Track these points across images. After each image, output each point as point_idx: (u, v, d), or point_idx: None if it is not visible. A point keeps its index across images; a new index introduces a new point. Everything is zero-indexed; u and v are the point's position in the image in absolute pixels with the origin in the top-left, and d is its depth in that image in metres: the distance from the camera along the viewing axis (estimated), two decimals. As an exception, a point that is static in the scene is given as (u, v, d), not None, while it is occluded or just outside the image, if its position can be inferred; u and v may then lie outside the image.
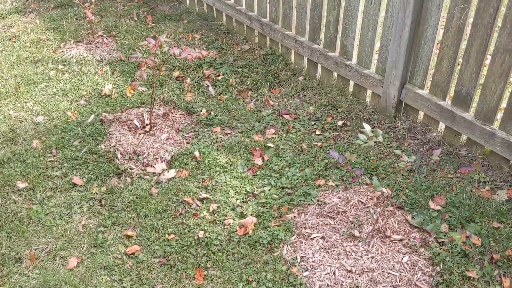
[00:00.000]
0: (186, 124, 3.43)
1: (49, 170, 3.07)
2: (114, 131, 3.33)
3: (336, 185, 2.79)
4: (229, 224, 2.59)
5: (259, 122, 3.45)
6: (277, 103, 3.65)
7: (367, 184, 2.78)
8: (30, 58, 4.32)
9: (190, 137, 3.32)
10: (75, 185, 2.95)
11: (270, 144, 3.17)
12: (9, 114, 3.60)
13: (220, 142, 3.24)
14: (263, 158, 3.06)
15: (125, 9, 5.24)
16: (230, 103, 3.66)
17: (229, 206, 2.71)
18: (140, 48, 4.37)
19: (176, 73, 4.04)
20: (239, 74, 4.02)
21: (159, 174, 3.00)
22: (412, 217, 2.55)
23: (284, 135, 3.30)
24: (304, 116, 3.47)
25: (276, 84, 3.90)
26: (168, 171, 3.00)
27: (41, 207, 2.79)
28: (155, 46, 2.99)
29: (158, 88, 3.84)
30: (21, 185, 2.95)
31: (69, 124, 3.45)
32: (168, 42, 3.00)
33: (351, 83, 3.60)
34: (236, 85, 3.89)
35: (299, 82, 3.86)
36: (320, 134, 3.28)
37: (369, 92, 3.51)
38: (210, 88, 3.85)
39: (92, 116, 3.53)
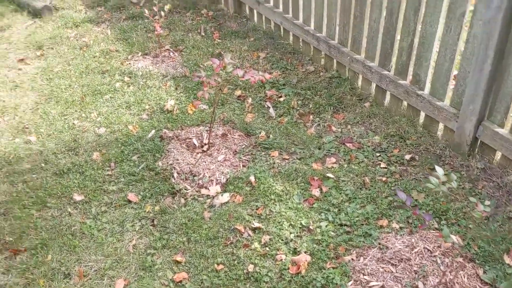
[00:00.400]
0: (244, 146, 3.34)
1: (106, 184, 3.07)
2: (172, 149, 3.30)
3: (400, 228, 2.58)
4: (281, 260, 2.45)
5: (319, 149, 3.30)
6: (340, 130, 3.49)
7: (435, 229, 2.55)
8: (98, 68, 4.42)
9: (247, 160, 3.23)
10: (129, 201, 2.93)
11: (330, 175, 3.01)
12: (73, 124, 3.67)
13: (277, 168, 3.12)
14: (321, 189, 2.91)
15: (193, 23, 5.28)
16: (290, 126, 3.54)
17: (282, 240, 2.57)
18: (205, 65, 4.35)
19: (238, 92, 3.98)
20: (301, 97, 3.90)
21: (213, 197, 2.92)
22: (484, 272, 2.29)
23: (345, 165, 3.13)
24: (369, 146, 3.28)
25: (340, 109, 3.73)
26: (222, 195, 2.91)
27: (95, 222, 2.79)
28: (219, 67, 2.93)
29: (219, 106, 3.79)
30: (77, 197, 2.97)
31: (130, 138, 3.47)
32: (233, 62, 2.93)
33: (422, 114, 3.37)
34: (298, 108, 3.76)
35: (365, 109, 3.67)
36: (385, 168, 3.08)
37: (441, 126, 3.26)
38: (271, 110, 3.75)
39: (153, 131, 3.52)
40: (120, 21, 5.42)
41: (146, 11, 4.75)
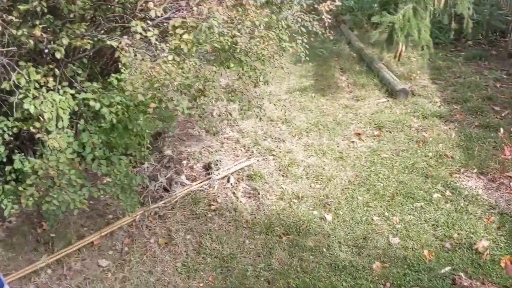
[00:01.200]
0: None
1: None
2: (460, 303, 2.71)
3: None
4: None
5: None
6: None
7: None
8: (424, 170, 4.12)
9: None
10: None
11: None
12: (372, 220, 3.49)
13: None
14: None
15: (557, 156, 4.32)
16: None
17: None
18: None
19: None
20: None
21: None
22: None
23: None
24: None
25: None
26: None
27: None
28: None
29: (547, 278, 2.92)
30: (337, 302, 2.77)
31: (419, 263, 3.04)
32: None
33: None
34: None
35: None
36: None
37: None
38: None
39: (448, 268, 2.99)
40: (471, 127, 4.93)
41: (502, 129, 4.15)
